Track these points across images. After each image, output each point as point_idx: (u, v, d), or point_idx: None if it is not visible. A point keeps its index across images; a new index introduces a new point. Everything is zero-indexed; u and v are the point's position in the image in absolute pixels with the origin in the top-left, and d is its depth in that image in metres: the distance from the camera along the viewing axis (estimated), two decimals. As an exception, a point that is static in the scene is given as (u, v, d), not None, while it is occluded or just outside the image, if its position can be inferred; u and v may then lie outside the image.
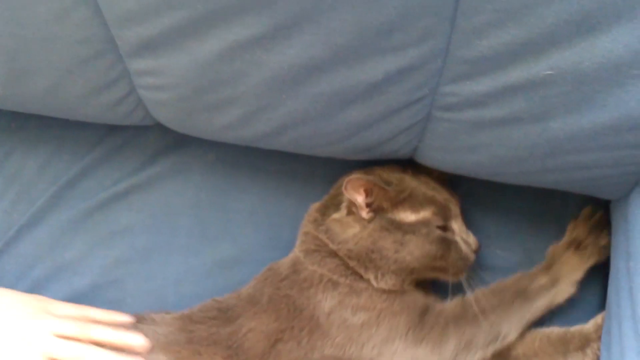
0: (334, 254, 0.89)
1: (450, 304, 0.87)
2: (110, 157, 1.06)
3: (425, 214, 0.86)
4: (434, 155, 0.83)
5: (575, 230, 0.92)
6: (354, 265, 0.87)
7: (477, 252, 0.90)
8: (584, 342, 0.85)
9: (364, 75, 0.67)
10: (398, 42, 0.63)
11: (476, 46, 0.60)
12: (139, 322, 0.88)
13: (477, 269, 0.93)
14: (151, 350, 0.82)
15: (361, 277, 0.87)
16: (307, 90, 0.70)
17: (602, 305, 0.88)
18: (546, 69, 0.59)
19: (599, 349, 0.83)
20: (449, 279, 0.87)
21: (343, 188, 0.85)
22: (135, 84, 0.79)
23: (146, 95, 0.80)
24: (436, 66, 0.65)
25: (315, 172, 1.04)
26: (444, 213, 0.87)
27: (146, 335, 0.83)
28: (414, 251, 0.84)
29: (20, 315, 0.83)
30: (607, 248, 0.88)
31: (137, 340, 0.82)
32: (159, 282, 1.03)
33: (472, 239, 0.90)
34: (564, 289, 0.88)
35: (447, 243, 0.86)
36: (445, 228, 0.87)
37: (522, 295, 0.86)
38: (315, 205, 0.96)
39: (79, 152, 1.06)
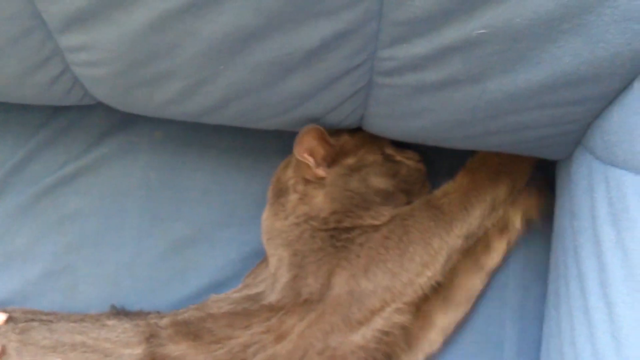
0: (326, 230, 0.87)
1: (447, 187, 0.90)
2: (56, 139, 1.05)
3: (361, 152, 0.90)
4: (380, 123, 0.83)
5: None
6: (351, 224, 0.87)
7: (421, 160, 0.95)
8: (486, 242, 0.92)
9: (300, 42, 0.66)
10: (331, 5, 0.61)
11: (409, 7, 0.59)
12: None
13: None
14: None
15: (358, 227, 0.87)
16: (245, 59, 0.69)
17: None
18: (479, 28, 0.58)
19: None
20: (419, 197, 0.91)
21: (295, 148, 0.86)
22: (69, 61, 0.76)
23: (81, 73, 0.78)
24: (371, 29, 0.64)
25: (266, 146, 1.03)
26: (375, 145, 0.91)
27: None
28: (378, 179, 0.89)
29: None
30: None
31: None
32: (112, 266, 1.02)
33: (411, 153, 0.95)
34: None
35: (394, 163, 0.91)
36: (383, 156, 0.92)
37: None
38: (265, 213, 0.96)
39: (23, 136, 1.04)
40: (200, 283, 1.01)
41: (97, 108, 0.95)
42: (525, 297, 0.96)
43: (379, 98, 0.76)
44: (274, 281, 0.88)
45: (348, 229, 0.87)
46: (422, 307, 0.89)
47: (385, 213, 0.88)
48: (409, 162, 0.94)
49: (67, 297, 1.01)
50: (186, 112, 0.82)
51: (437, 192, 0.90)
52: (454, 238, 0.85)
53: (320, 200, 0.88)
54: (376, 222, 0.87)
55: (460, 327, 0.95)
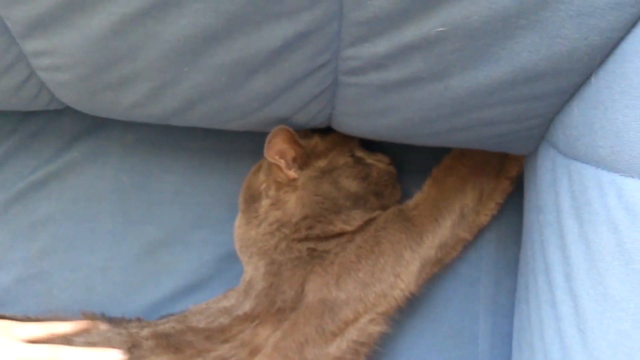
0: (299, 240, 0.88)
1: (417, 198, 0.91)
2: (26, 145, 1.04)
3: (333, 154, 0.90)
4: (348, 122, 0.83)
5: None
6: (322, 231, 0.87)
7: (392, 164, 0.95)
8: None
9: (262, 43, 0.66)
10: (291, 6, 0.61)
11: (368, 7, 0.60)
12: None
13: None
14: None
15: (332, 236, 0.88)
16: (208, 61, 0.69)
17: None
18: (438, 26, 0.59)
19: None
20: (390, 200, 0.93)
21: (265, 150, 0.85)
22: (34, 66, 0.76)
23: (46, 77, 0.78)
24: (333, 30, 0.64)
25: (238, 147, 1.03)
26: (346, 147, 0.92)
27: None
28: (349, 182, 0.89)
29: None
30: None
31: (113, 356, 0.81)
32: (85, 271, 1.01)
33: (380, 156, 0.95)
34: None
35: (365, 166, 0.91)
36: (354, 158, 0.92)
37: None
38: (238, 221, 0.96)
39: (-8, 142, 1.03)
40: (175, 285, 1.00)
41: (66, 112, 0.94)
42: (498, 291, 0.97)
43: (345, 97, 0.76)
44: (248, 289, 0.88)
45: (324, 238, 0.87)
46: None
47: (357, 217, 0.88)
48: (379, 164, 0.94)
49: (42, 302, 1.00)
50: (153, 115, 0.82)
51: (409, 204, 0.90)
52: (426, 249, 0.85)
53: (291, 205, 0.88)
54: (348, 228, 0.88)
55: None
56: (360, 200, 0.89)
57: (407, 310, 0.90)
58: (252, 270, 0.89)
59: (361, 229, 0.88)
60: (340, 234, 0.88)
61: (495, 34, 0.58)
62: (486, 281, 0.97)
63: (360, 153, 0.94)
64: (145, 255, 1.02)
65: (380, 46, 0.64)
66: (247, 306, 0.86)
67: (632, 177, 0.53)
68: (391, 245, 0.84)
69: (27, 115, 1.03)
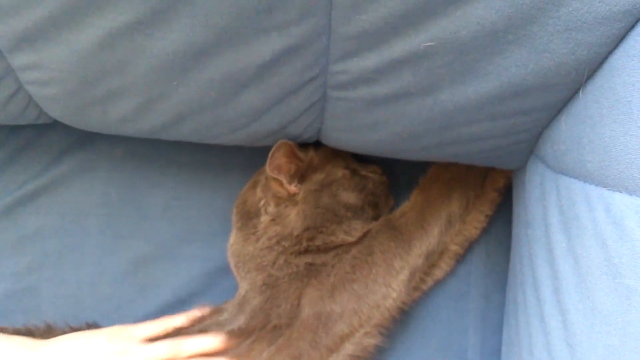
0: (298, 254, 0.87)
1: (404, 206, 0.91)
2: (14, 159, 1.03)
3: (329, 167, 0.91)
4: (337, 136, 0.83)
5: None
6: (323, 242, 0.87)
7: (384, 174, 0.96)
8: None
9: (251, 57, 0.66)
10: (279, 21, 0.61)
11: (357, 21, 0.60)
12: None
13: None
14: None
15: (332, 247, 0.87)
16: (197, 76, 0.69)
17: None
18: (426, 41, 0.59)
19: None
20: (384, 210, 0.94)
21: (267, 165, 0.86)
22: (22, 80, 0.76)
23: (34, 92, 0.77)
24: (322, 44, 0.64)
25: (228, 161, 1.03)
26: (341, 161, 0.92)
27: None
28: (347, 194, 0.89)
29: (106, 356, 0.82)
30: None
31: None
32: (74, 285, 1.01)
33: (373, 167, 0.96)
34: None
35: (361, 178, 0.92)
36: (351, 171, 0.92)
37: None
38: (232, 239, 0.95)
39: (-20, 158, 1.03)
40: (163, 300, 1.00)
41: (54, 126, 0.94)
42: (487, 305, 0.97)
43: (334, 111, 0.76)
44: (243, 303, 0.87)
45: (323, 250, 0.87)
46: None
47: (357, 228, 0.89)
48: (373, 175, 0.95)
49: (30, 317, 0.99)
50: (142, 129, 0.82)
51: (396, 212, 0.90)
52: (414, 257, 0.85)
53: (292, 219, 0.88)
54: (349, 239, 0.87)
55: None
56: (359, 211, 0.90)
57: (396, 324, 0.89)
58: (248, 285, 0.89)
59: (359, 240, 0.87)
60: (340, 245, 0.87)
61: (484, 49, 0.58)
62: (475, 295, 0.97)
63: (354, 165, 0.94)
64: (134, 269, 1.01)
65: (369, 60, 0.64)
66: (241, 320, 0.86)
67: (620, 191, 0.53)
68: (382, 255, 0.84)
69: (14, 130, 1.02)
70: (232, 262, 0.94)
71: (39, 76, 0.73)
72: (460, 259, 0.95)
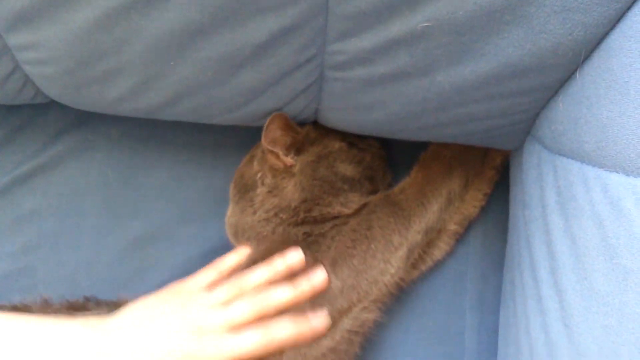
0: (296, 224, 0.87)
1: (404, 183, 0.91)
2: (10, 139, 1.03)
3: (326, 139, 0.91)
4: (335, 116, 0.83)
5: None
6: (320, 213, 0.87)
7: (382, 147, 0.96)
8: None
9: (247, 37, 0.66)
10: (276, 1, 0.61)
11: (353, 1, 0.59)
12: None
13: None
14: None
15: (329, 219, 0.87)
16: (194, 55, 0.68)
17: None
18: (423, 21, 0.59)
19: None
20: (382, 184, 0.93)
21: (262, 137, 0.85)
22: (19, 60, 0.75)
23: (31, 71, 0.77)
24: (319, 24, 0.64)
25: (225, 142, 1.03)
26: (338, 134, 0.91)
27: None
28: (345, 165, 0.89)
29: (172, 310, 0.79)
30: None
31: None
32: (71, 266, 1.01)
33: (371, 141, 0.95)
34: None
35: (359, 150, 0.92)
36: (349, 144, 0.92)
37: None
38: (230, 211, 0.95)
39: (-24, 137, 1.03)
40: (161, 281, 0.99)
41: (51, 106, 0.94)
42: (485, 286, 0.97)
43: (331, 92, 0.76)
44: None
45: (320, 221, 0.86)
46: None
47: (355, 200, 0.88)
48: (371, 149, 0.94)
49: (26, 297, 1.00)
50: (139, 109, 0.81)
51: (396, 188, 0.90)
52: (413, 234, 0.85)
53: (289, 191, 0.88)
54: (345, 210, 0.87)
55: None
56: (356, 184, 0.89)
57: (394, 302, 0.90)
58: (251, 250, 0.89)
59: (356, 212, 0.87)
60: (337, 217, 0.87)
61: (481, 29, 0.58)
62: (473, 276, 0.97)
63: (351, 138, 0.93)
64: (131, 250, 1.01)
65: (366, 41, 0.64)
66: None
67: (617, 172, 0.53)
68: (381, 230, 0.84)
69: (11, 109, 1.02)
70: (230, 232, 0.94)
71: (36, 56, 0.73)
72: (460, 238, 0.95)
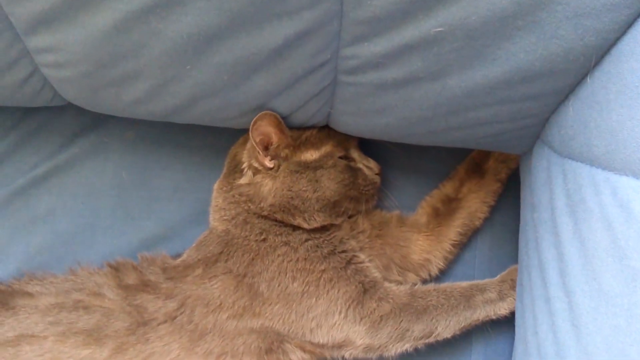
0: (259, 216, 0.90)
1: (399, 289, 0.89)
2: (27, 141, 1.04)
3: (326, 147, 0.91)
4: (346, 121, 0.84)
5: None
6: (282, 218, 0.89)
7: (380, 174, 0.95)
8: None
9: (263, 42, 0.67)
10: (292, 5, 0.62)
11: (368, 6, 0.61)
12: None
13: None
14: None
15: (293, 227, 0.90)
16: (210, 59, 0.70)
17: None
18: (436, 26, 0.60)
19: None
20: (364, 207, 0.93)
21: (250, 131, 0.85)
22: (37, 62, 0.77)
23: (50, 74, 0.78)
24: (333, 29, 0.65)
25: (237, 145, 1.03)
26: (343, 144, 0.92)
27: None
28: (329, 184, 0.89)
29: None
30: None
31: None
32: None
33: (372, 164, 0.95)
34: (508, 304, 0.89)
35: (353, 170, 0.91)
36: (347, 158, 0.92)
37: (468, 302, 0.88)
38: (217, 183, 0.97)
39: (-6, 138, 1.04)
40: (173, 281, 1.01)
41: (67, 109, 0.95)
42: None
43: (344, 96, 0.77)
44: (199, 246, 0.92)
45: (280, 223, 0.90)
46: None
47: (318, 219, 0.90)
48: (368, 171, 0.94)
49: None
50: (154, 112, 0.83)
51: None
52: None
53: (264, 192, 0.90)
54: (305, 225, 0.89)
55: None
56: (328, 205, 0.90)
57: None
58: (209, 230, 0.94)
59: (314, 230, 0.90)
60: (295, 227, 0.90)
61: (493, 34, 0.59)
62: (481, 278, 0.97)
63: (354, 153, 0.94)
64: (144, 250, 1.01)
65: (379, 46, 0.65)
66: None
67: (627, 175, 0.54)
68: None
69: (28, 112, 1.03)
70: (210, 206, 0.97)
71: (55, 58, 0.74)
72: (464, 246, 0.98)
